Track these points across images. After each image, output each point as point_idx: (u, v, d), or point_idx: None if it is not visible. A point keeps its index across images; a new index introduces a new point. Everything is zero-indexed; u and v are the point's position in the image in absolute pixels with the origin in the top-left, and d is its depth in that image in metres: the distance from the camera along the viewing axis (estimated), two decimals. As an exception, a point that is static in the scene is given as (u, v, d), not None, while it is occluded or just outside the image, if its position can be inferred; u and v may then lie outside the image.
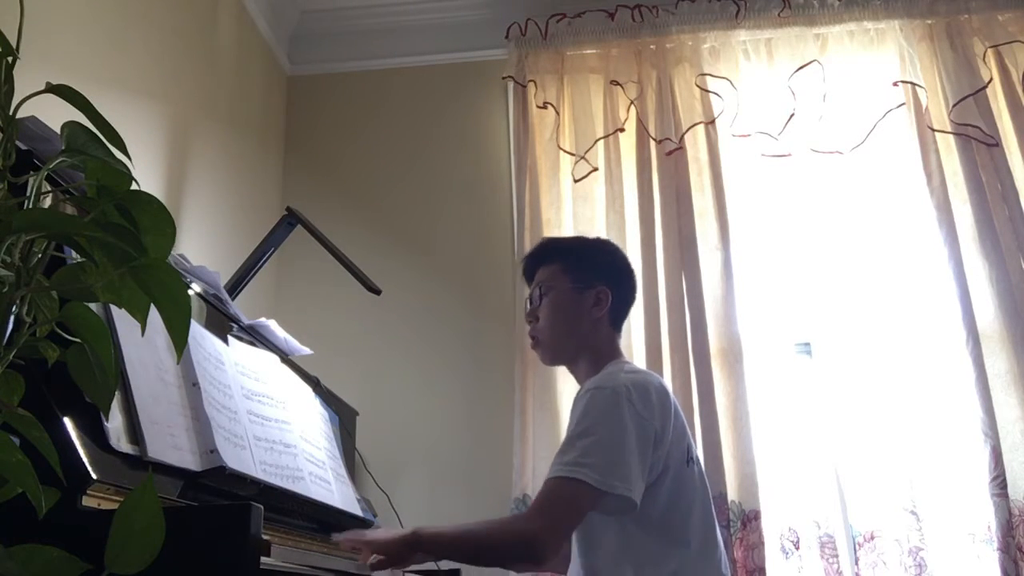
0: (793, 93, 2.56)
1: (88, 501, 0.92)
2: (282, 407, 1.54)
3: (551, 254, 1.67)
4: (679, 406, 1.52)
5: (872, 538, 2.18)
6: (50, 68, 1.59)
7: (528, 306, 1.66)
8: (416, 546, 1.35)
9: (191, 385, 1.23)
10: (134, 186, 0.72)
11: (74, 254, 0.70)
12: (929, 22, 2.64)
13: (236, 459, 1.22)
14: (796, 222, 2.52)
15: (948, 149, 2.50)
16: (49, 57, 1.61)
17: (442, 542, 1.37)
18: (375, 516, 1.98)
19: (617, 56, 2.70)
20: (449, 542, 1.37)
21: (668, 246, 2.47)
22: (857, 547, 2.18)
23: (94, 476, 0.93)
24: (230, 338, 1.51)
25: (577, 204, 2.58)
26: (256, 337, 1.71)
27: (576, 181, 2.58)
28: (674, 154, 2.55)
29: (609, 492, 1.31)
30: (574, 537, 1.46)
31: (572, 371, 1.66)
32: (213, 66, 2.40)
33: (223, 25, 2.48)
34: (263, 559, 0.87)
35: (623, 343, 2.36)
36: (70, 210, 1.03)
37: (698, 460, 1.53)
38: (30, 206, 0.68)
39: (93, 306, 0.73)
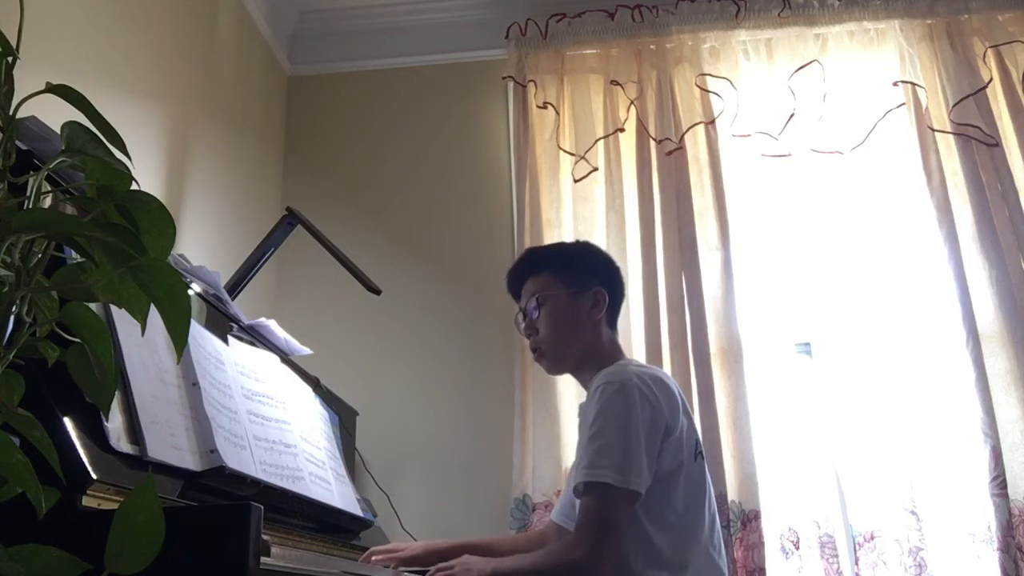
0: (793, 93, 2.56)
1: (88, 501, 0.92)
2: (282, 407, 1.54)
3: (538, 264, 1.67)
4: (685, 403, 1.53)
5: (872, 538, 2.18)
6: (50, 68, 1.59)
7: (522, 320, 1.65)
8: None
9: (191, 385, 1.23)
10: (134, 186, 0.72)
11: (74, 254, 0.70)
12: (929, 22, 2.64)
13: (236, 459, 1.22)
14: (796, 222, 2.52)
15: (948, 149, 2.50)
16: (49, 57, 1.61)
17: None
18: (375, 516, 1.98)
19: (617, 56, 2.70)
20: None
21: (668, 246, 2.47)
22: (857, 547, 2.18)
23: (94, 476, 0.93)
24: (230, 338, 1.51)
25: (577, 204, 2.58)
26: (256, 337, 1.71)
27: (576, 181, 2.58)
28: (674, 154, 2.55)
29: (628, 488, 1.35)
30: None
31: (578, 378, 1.66)
32: (213, 66, 2.40)
33: (223, 25, 2.48)
34: (263, 559, 0.87)
35: (623, 343, 2.37)
36: (70, 210, 1.03)
37: (704, 456, 1.55)
38: (30, 206, 0.68)
39: (93, 306, 0.73)
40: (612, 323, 1.65)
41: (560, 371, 1.69)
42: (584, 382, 1.62)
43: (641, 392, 1.41)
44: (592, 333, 1.60)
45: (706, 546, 1.44)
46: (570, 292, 1.60)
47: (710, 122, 2.58)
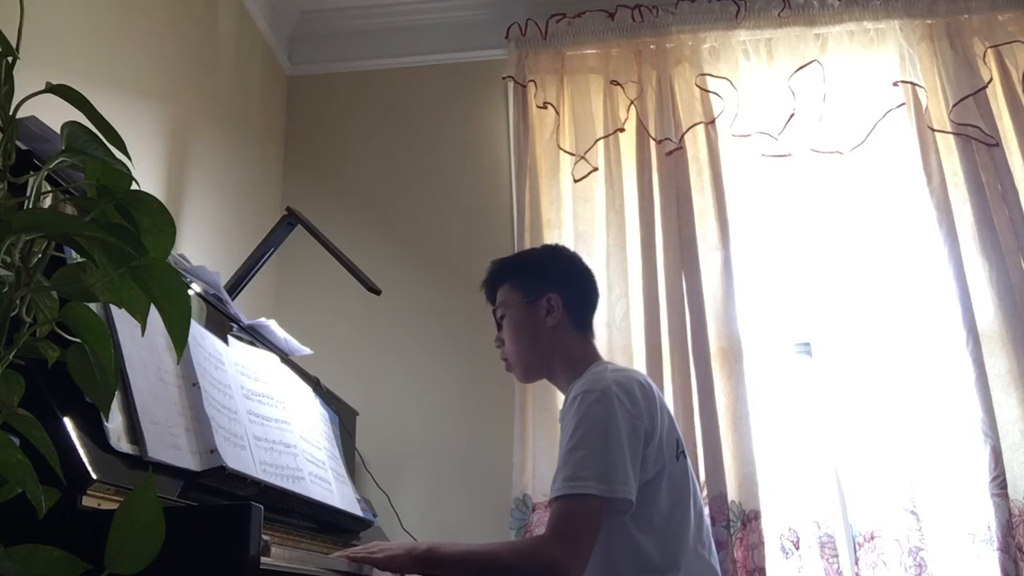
0: (793, 93, 2.56)
1: (88, 501, 0.92)
2: (282, 407, 1.54)
3: (500, 274, 1.69)
4: (664, 401, 1.52)
5: (872, 538, 2.17)
6: (50, 68, 1.59)
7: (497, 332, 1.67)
8: (427, 563, 1.36)
9: (191, 385, 1.23)
10: (134, 186, 0.72)
11: (74, 254, 0.70)
12: (929, 22, 2.63)
13: (236, 459, 1.22)
14: (796, 222, 2.52)
15: (948, 149, 2.50)
16: (49, 57, 1.61)
17: (459, 561, 1.37)
18: (375, 516, 1.98)
19: (617, 56, 2.70)
20: (467, 563, 1.38)
21: (668, 246, 2.47)
22: (857, 547, 2.18)
23: (94, 476, 0.93)
24: (230, 338, 1.51)
25: (577, 204, 2.58)
26: (256, 337, 1.71)
27: (576, 181, 2.58)
28: (674, 154, 2.55)
29: (613, 497, 1.34)
30: None
31: (553, 383, 1.66)
32: (213, 66, 2.40)
33: (223, 25, 2.48)
34: (263, 559, 0.87)
35: (623, 343, 2.39)
36: (70, 210, 1.03)
37: (686, 454, 1.54)
38: (30, 206, 0.68)
39: (93, 306, 0.73)
40: (580, 326, 1.63)
41: (529, 379, 1.69)
42: (561, 388, 1.62)
43: (620, 400, 1.40)
44: (551, 340, 1.59)
45: (695, 545, 1.43)
46: (526, 301, 1.61)
47: (710, 122, 2.58)
